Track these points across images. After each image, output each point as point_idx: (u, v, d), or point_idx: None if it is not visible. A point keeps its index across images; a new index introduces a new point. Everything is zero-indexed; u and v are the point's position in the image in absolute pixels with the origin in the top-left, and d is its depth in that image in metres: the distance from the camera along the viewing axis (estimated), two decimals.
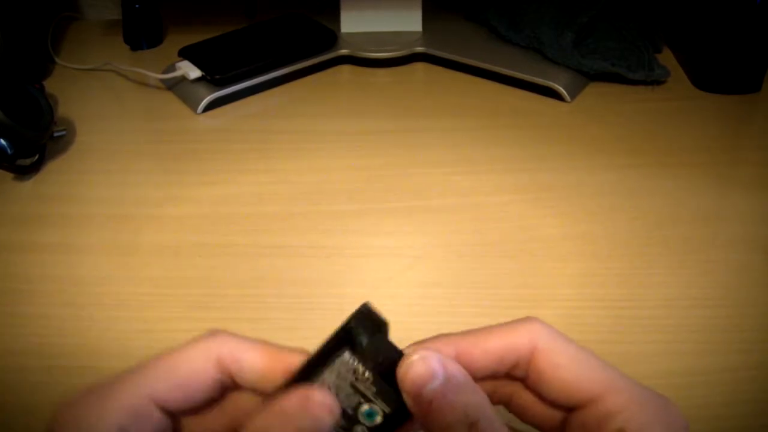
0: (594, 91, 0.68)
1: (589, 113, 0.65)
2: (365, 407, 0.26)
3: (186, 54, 0.70)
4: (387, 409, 0.25)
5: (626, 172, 0.58)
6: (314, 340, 0.27)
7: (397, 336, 0.44)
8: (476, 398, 0.25)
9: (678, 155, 0.60)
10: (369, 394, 0.26)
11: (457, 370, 0.25)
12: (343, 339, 0.26)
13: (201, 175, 0.59)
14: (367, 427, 0.26)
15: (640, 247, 0.51)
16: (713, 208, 0.54)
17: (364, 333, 0.26)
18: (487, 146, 0.61)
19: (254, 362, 0.27)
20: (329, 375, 0.26)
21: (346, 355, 0.26)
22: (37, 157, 0.60)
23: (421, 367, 0.25)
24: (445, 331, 0.46)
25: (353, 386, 0.26)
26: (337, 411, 0.25)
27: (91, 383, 0.26)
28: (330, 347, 0.26)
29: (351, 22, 0.75)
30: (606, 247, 0.51)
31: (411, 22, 0.75)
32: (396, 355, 0.26)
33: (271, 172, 0.59)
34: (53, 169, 0.61)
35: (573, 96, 0.67)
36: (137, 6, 0.75)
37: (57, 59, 0.75)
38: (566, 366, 0.26)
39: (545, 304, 0.46)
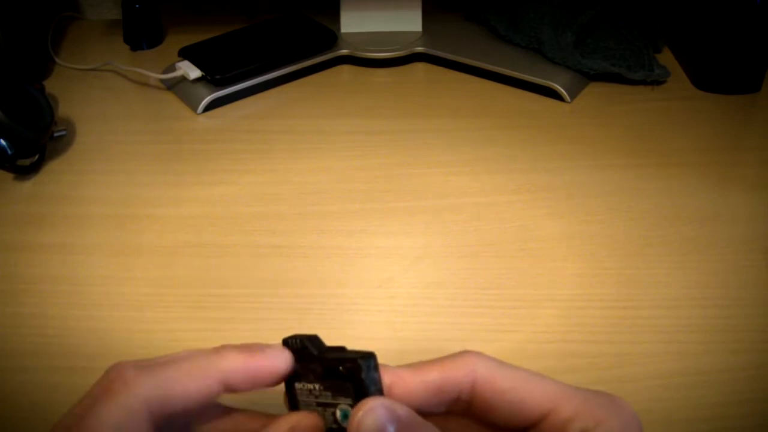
0: (594, 91, 0.68)
1: (589, 113, 0.65)
2: (338, 413, 0.26)
3: (186, 54, 0.70)
4: (350, 401, 0.26)
5: (626, 172, 0.58)
6: None
7: (398, 335, 0.45)
8: (431, 430, 0.26)
9: (678, 155, 0.60)
10: (330, 400, 0.27)
11: (405, 410, 0.26)
12: (289, 378, 0.28)
13: (201, 175, 0.59)
14: None
15: (639, 247, 0.51)
16: (713, 208, 0.54)
17: (295, 362, 0.28)
18: (486, 146, 0.61)
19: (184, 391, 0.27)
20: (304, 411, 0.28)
21: (297, 386, 0.28)
22: (37, 157, 0.60)
23: (370, 420, 0.25)
24: (445, 331, 0.46)
25: (319, 404, 0.27)
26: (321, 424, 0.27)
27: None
28: (288, 392, 0.28)
29: (351, 22, 0.75)
30: (606, 247, 0.51)
31: (411, 22, 0.75)
32: (324, 352, 0.27)
33: (271, 172, 0.59)
34: (53, 169, 0.61)
35: (573, 96, 0.67)
36: (137, 6, 0.75)
37: (57, 59, 0.75)
38: (511, 390, 0.27)
39: (545, 304, 0.46)
